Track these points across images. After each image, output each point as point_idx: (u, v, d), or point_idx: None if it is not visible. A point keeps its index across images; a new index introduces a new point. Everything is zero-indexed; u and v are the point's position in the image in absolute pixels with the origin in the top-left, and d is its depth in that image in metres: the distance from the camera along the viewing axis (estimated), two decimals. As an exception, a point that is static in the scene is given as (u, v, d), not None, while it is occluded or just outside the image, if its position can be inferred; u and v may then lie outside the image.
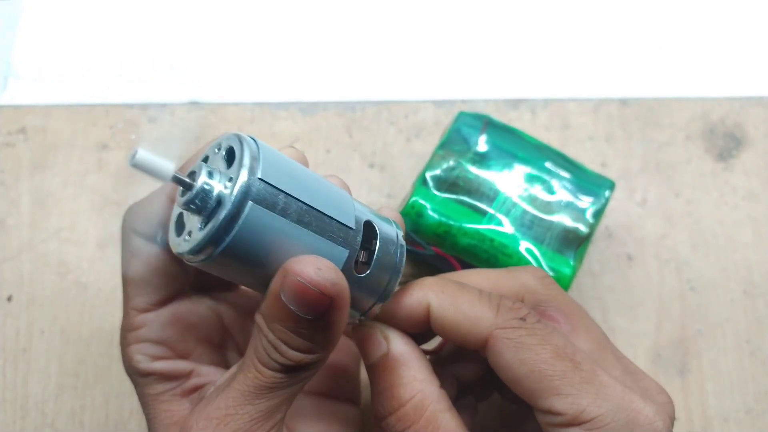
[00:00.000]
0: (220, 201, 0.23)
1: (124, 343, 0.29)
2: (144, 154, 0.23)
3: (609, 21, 0.50)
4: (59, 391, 0.40)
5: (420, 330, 0.29)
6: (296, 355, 0.25)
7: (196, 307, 0.31)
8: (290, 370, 0.25)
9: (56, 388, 0.40)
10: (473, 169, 0.38)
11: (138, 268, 0.28)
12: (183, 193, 0.24)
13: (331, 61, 0.49)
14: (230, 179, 0.23)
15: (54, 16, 0.49)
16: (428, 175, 0.38)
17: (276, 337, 0.25)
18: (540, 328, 0.26)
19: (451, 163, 0.38)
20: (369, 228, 0.27)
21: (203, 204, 0.23)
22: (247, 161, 0.23)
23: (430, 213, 0.37)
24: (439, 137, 0.41)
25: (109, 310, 0.41)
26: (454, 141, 0.39)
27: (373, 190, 0.45)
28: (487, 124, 0.40)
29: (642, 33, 0.50)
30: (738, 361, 0.41)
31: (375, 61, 0.49)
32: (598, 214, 0.38)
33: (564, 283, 0.36)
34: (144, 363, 0.28)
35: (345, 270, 0.26)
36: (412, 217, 0.37)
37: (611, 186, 0.39)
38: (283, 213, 0.24)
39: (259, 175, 0.23)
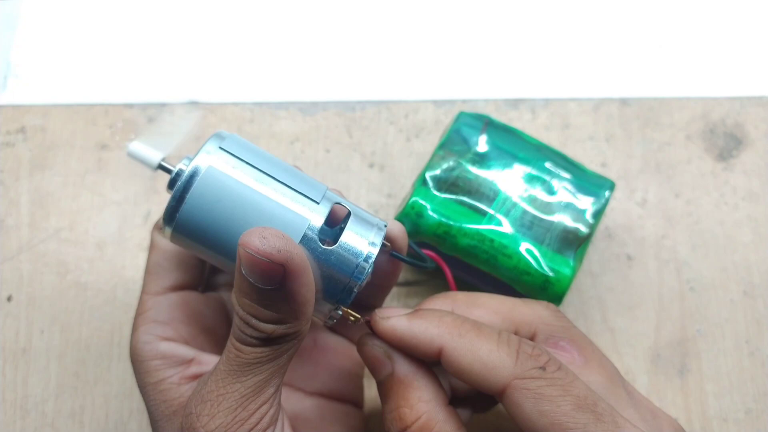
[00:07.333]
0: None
1: (134, 328, 0.30)
2: (136, 146, 0.28)
3: (609, 21, 0.50)
4: (59, 391, 0.40)
5: (431, 360, 0.28)
6: (267, 327, 0.25)
7: (205, 300, 0.33)
8: (267, 342, 0.25)
9: (56, 388, 0.40)
10: (473, 170, 0.38)
11: (154, 258, 0.31)
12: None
13: (330, 60, 0.49)
14: None
15: (54, 16, 0.49)
16: (428, 175, 0.38)
17: (246, 312, 0.25)
18: (560, 378, 0.26)
19: (451, 163, 0.38)
20: (347, 215, 0.29)
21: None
22: (212, 138, 0.27)
23: (430, 213, 0.37)
24: (439, 137, 0.41)
25: (109, 310, 0.41)
26: (454, 141, 0.39)
27: (373, 190, 0.45)
28: (487, 124, 0.40)
29: (642, 33, 0.50)
30: (737, 361, 0.41)
31: (375, 61, 0.49)
32: (598, 215, 0.38)
33: (564, 283, 0.36)
34: (149, 344, 0.29)
35: (307, 240, 0.27)
36: (412, 217, 0.37)
37: (611, 186, 0.39)
38: (241, 177, 0.27)
39: (219, 145, 0.27)
